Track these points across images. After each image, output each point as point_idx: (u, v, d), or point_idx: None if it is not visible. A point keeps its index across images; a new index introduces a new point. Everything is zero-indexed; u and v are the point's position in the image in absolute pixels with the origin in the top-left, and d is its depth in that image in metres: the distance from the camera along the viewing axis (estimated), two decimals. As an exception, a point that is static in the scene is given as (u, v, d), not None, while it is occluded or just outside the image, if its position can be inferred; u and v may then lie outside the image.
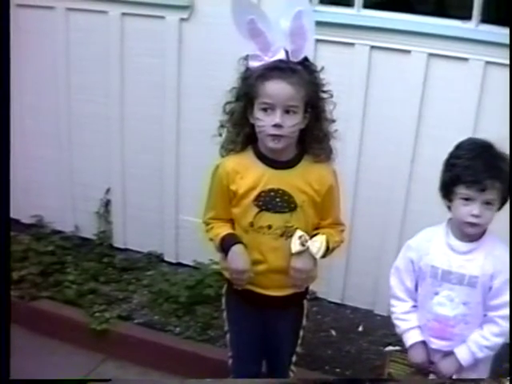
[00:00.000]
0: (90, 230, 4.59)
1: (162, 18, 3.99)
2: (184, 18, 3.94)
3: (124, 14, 4.08)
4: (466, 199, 2.45)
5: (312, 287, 2.89)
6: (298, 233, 2.55)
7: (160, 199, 4.35)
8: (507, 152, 2.51)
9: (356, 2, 3.62)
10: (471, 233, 2.50)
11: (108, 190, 4.49)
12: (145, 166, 4.33)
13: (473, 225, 2.46)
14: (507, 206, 2.55)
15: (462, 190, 2.46)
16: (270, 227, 2.57)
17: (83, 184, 4.53)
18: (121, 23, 4.10)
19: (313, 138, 2.57)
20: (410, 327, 2.65)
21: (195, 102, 3.99)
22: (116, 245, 4.58)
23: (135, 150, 4.32)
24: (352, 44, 3.62)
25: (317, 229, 2.65)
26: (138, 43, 4.10)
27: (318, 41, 3.53)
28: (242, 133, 2.59)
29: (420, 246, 2.64)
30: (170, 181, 4.26)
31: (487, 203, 2.43)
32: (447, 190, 2.53)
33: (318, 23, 3.43)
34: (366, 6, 3.63)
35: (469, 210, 2.45)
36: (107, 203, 4.52)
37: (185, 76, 4.03)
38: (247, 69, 2.53)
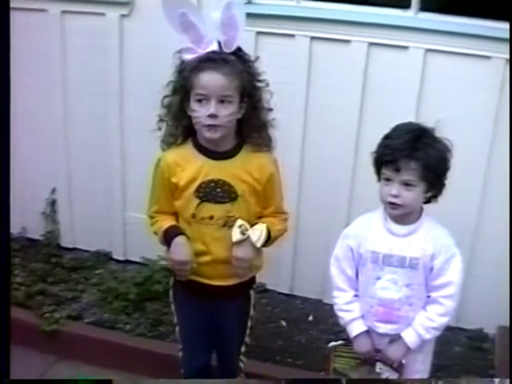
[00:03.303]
0: (37, 231, 4.54)
1: (103, 14, 3.96)
2: (124, 15, 3.93)
3: (64, 11, 4.04)
4: (387, 179, 2.48)
5: (260, 279, 2.90)
6: (239, 222, 2.56)
7: (107, 196, 4.32)
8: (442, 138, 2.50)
9: (296, -7, 3.64)
10: (392, 214, 2.53)
11: (54, 190, 4.45)
12: (90, 163, 4.29)
13: (393, 205, 2.48)
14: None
15: (383, 170, 2.49)
16: (211, 218, 2.58)
17: (29, 184, 4.47)
18: (61, 21, 4.06)
19: (251, 128, 2.59)
20: (353, 318, 2.66)
21: (138, 98, 3.96)
22: (64, 244, 4.54)
23: (80, 147, 4.28)
24: (292, 35, 3.63)
25: (259, 218, 2.66)
26: (79, 40, 4.06)
27: (258, 33, 3.57)
28: (180, 126, 2.60)
29: (358, 232, 2.65)
30: (117, 178, 4.24)
31: (406, 184, 2.44)
32: (377, 171, 2.55)
33: (259, 15, 3.49)
34: (306, -3, 3.65)
35: (388, 190, 2.47)
36: (53, 203, 4.48)
37: (127, 72, 4.02)
38: (182, 62, 2.55)
